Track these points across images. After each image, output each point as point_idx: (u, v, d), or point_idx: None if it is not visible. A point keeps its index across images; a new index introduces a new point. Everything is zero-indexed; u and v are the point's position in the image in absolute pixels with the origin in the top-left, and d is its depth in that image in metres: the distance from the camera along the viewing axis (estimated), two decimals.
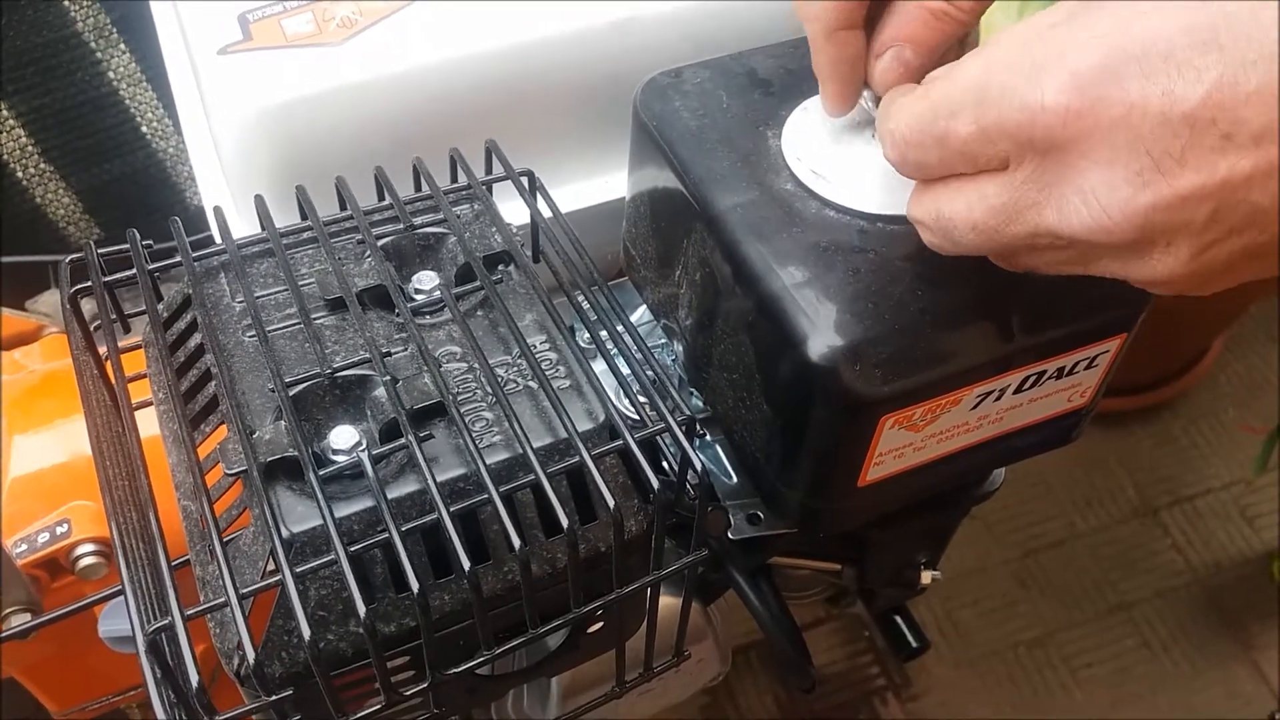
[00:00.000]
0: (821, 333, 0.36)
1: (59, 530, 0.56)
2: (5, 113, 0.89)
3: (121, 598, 0.49)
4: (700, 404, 0.47)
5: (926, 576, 0.55)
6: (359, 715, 0.33)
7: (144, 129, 0.95)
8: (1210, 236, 0.27)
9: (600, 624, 0.40)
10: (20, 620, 0.55)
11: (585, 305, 0.40)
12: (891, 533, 0.51)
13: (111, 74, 0.91)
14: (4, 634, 0.50)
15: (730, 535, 0.46)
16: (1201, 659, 1.18)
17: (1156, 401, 1.35)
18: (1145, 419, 1.35)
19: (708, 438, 0.48)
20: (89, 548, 0.56)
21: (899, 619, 0.71)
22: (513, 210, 0.43)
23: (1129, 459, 1.31)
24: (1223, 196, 0.26)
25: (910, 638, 0.71)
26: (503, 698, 0.53)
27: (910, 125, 0.32)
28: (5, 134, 0.90)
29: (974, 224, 0.31)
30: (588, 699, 0.48)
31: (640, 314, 0.52)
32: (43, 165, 0.93)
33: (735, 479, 0.48)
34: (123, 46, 0.90)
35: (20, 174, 0.93)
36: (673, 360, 0.50)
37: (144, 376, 0.40)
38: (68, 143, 0.93)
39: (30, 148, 0.92)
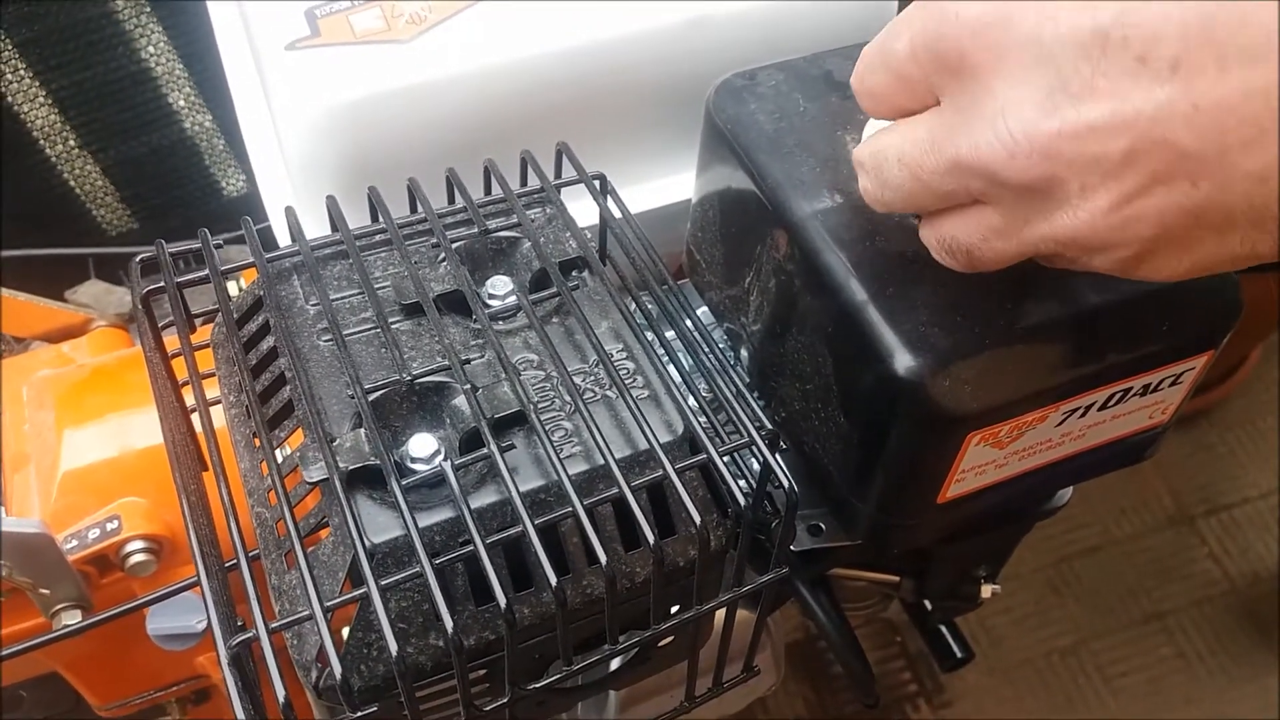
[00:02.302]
0: (908, 347, 0.35)
1: (109, 527, 0.56)
2: (40, 90, 0.89)
3: (170, 596, 0.48)
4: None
5: (986, 590, 0.54)
6: None
7: (179, 104, 0.94)
8: (1131, 182, 0.25)
9: (671, 637, 0.39)
10: (70, 616, 0.55)
11: (651, 306, 0.40)
12: (956, 546, 0.50)
13: (150, 49, 0.91)
14: (58, 632, 0.49)
15: (791, 547, 0.45)
16: (1237, 670, 1.16)
17: (1194, 409, 1.34)
18: (1182, 426, 1.33)
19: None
20: (139, 545, 0.56)
21: (944, 629, 0.70)
22: (577, 209, 0.42)
23: (1165, 466, 1.29)
24: (1138, 130, 0.24)
25: (955, 648, 0.70)
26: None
27: (868, 51, 0.31)
28: (40, 110, 0.90)
29: (900, 155, 0.30)
30: (647, 709, 0.47)
31: (701, 314, 0.51)
32: (76, 142, 0.93)
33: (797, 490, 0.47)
34: (157, 23, 0.90)
35: (54, 151, 0.93)
36: (734, 365, 0.49)
37: (209, 376, 0.40)
38: (105, 117, 0.93)
39: (65, 124, 0.92)
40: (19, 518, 0.51)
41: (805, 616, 0.48)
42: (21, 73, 0.88)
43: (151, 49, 0.91)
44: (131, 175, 0.99)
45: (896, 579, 0.54)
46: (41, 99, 0.90)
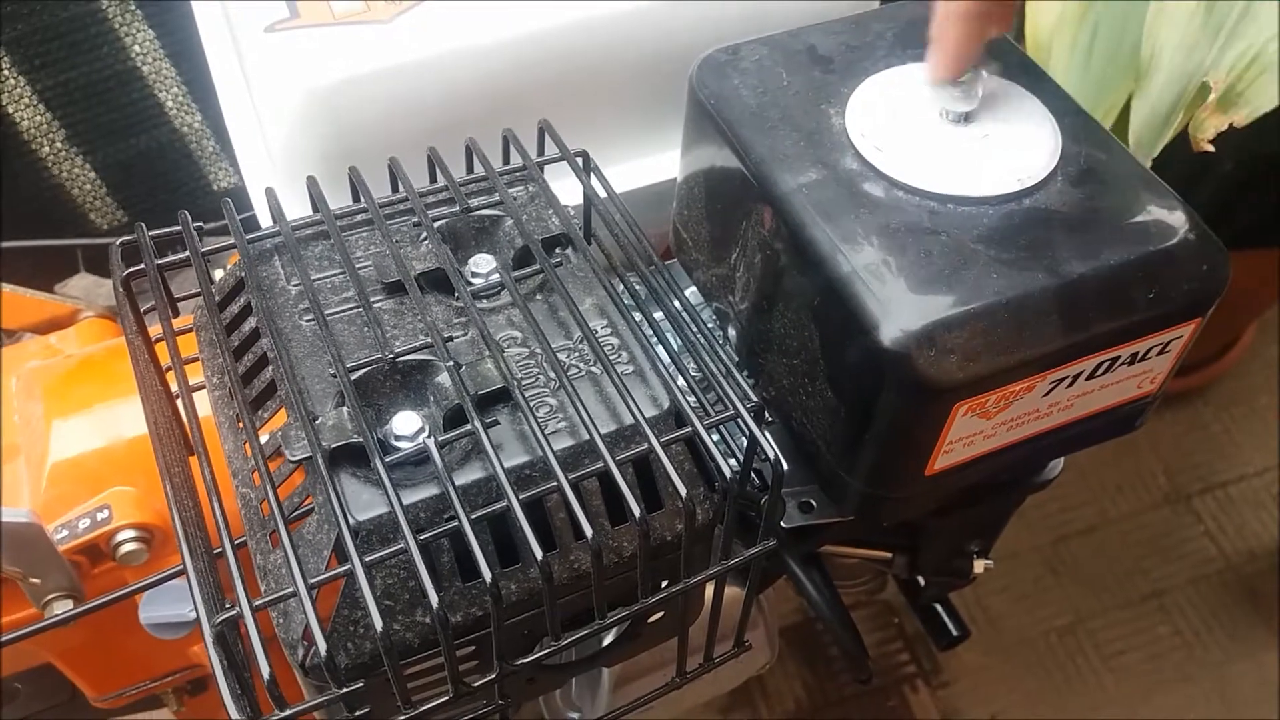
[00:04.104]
0: (894, 318, 0.35)
1: (100, 516, 0.56)
2: (27, 89, 0.88)
3: (163, 584, 0.48)
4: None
5: (979, 565, 0.54)
6: (426, 707, 0.32)
7: (168, 104, 0.94)
8: None
9: (661, 613, 0.39)
10: (62, 606, 0.54)
11: (638, 286, 0.39)
12: (947, 521, 0.50)
13: (137, 48, 0.90)
14: (48, 621, 0.49)
15: (782, 524, 0.45)
16: (1234, 647, 1.17)
17: (1188, 387, 1.34)
18: (1177, 405, 1.33)
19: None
20: (130, 534, 0.56)
21: (939, 607, 0.70)
22: (559, 190, 0.42)
23: (1161, 445, 1.29)
24: None
25: (951, 626, 0.70)
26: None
27: None
28: (26, 110, 0.89)
29: None
30: (640, 688, 0.47)
31: (689, 294, 0.51)
32: (65, 142, 0.93)
33: (785, 465, 0.47)
34: (144, 21, 0.89)
35: (41, 151, 0.93)
36: (722, 343, 0.49)
37: (193, 360, 0.39)
38: (93, 117, 0.93)
39: (53, 124, 0.92)
40: (9, 508, 0.51)
41: (799, 594, 0.48)
42: (7, 72, 0.87)
43: (138, 48, 0.90)
44: (122, 175, 0.98)
45: (889, 555, 0.54)
46: (28, 98, 0.90)
